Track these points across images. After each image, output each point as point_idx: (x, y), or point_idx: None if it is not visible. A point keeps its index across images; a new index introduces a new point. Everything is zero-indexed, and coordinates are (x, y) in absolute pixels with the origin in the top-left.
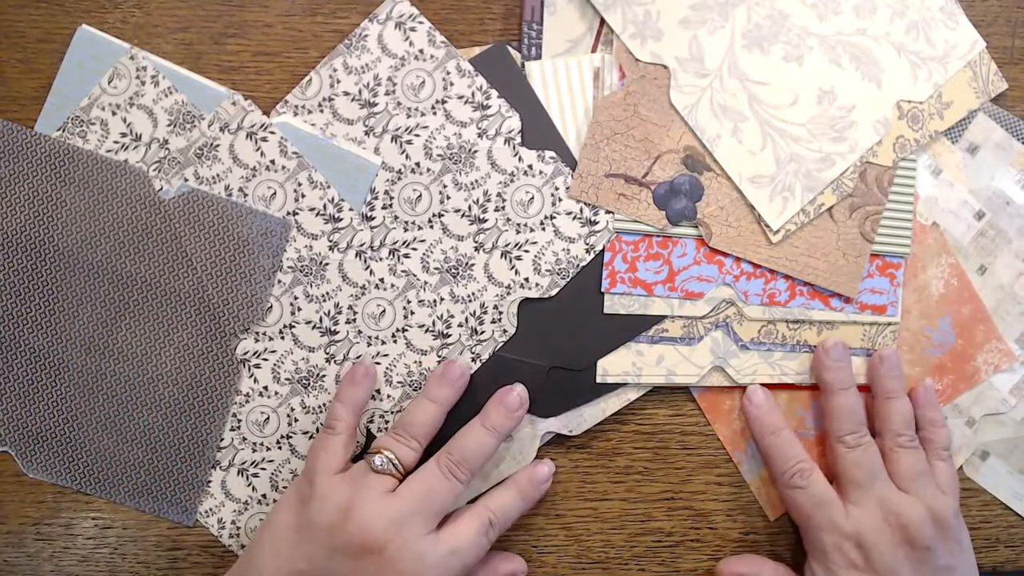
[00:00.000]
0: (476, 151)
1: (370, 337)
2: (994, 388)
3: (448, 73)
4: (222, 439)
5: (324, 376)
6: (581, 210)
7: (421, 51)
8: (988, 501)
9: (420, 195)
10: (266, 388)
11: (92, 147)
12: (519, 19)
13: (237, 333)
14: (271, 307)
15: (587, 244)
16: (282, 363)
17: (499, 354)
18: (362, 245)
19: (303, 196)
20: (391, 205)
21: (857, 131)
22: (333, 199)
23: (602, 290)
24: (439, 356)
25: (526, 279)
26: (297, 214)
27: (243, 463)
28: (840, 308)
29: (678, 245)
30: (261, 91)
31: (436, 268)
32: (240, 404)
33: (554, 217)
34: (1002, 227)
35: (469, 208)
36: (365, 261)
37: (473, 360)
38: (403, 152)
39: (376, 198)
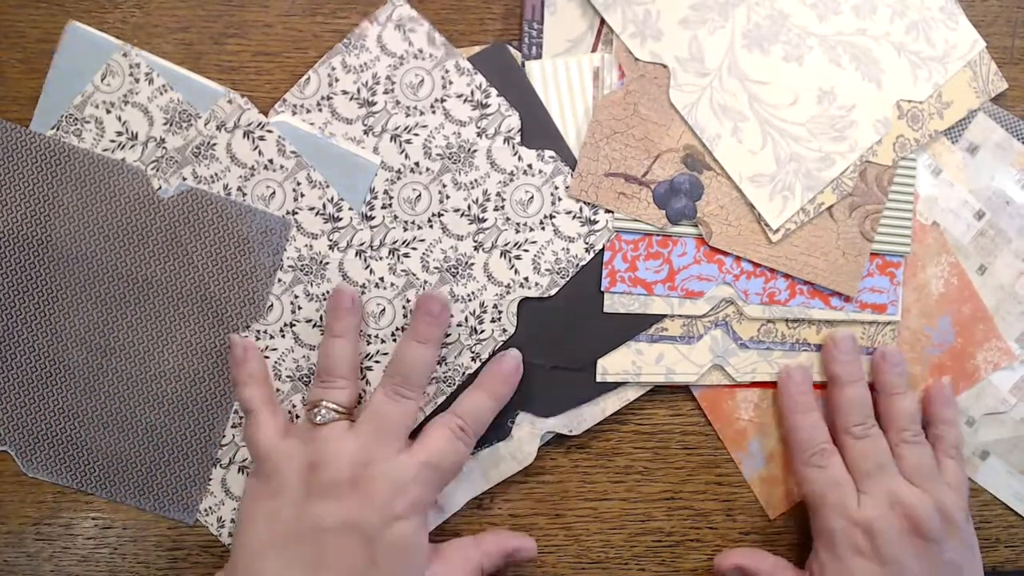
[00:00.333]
0: (475, 150)
1: (370, 336)
2: (994, 387)
3: (447, 72)
4: (223, 436)
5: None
6: (581, 209)
7: (420, 50)
8: (988, 501)
9: (419, 194)
10: None
11: (88, 145)
12: (519, 19)
13: (238, 331)
14: (272, 305)
15: (587, 243)
16: (283, 361)
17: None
18: (362, 244)
19: (302, 195)
20: (390, 204)
21: (857, 130)
22: (332, 198)
23: (602, 289)
24: (439, 356)
25: (526, 278)
26: (296, 213)
27: (244, 461)
28: (840, 307)
29: (678, 244)
30: (261, 91)
31: (436, 267)
32: None
33: (554, 216)
34: (1002, 227)
35: (468, 207)
36: (365, 260)
37: (473, 360)
38: (402, 151)
39: (375, 197)
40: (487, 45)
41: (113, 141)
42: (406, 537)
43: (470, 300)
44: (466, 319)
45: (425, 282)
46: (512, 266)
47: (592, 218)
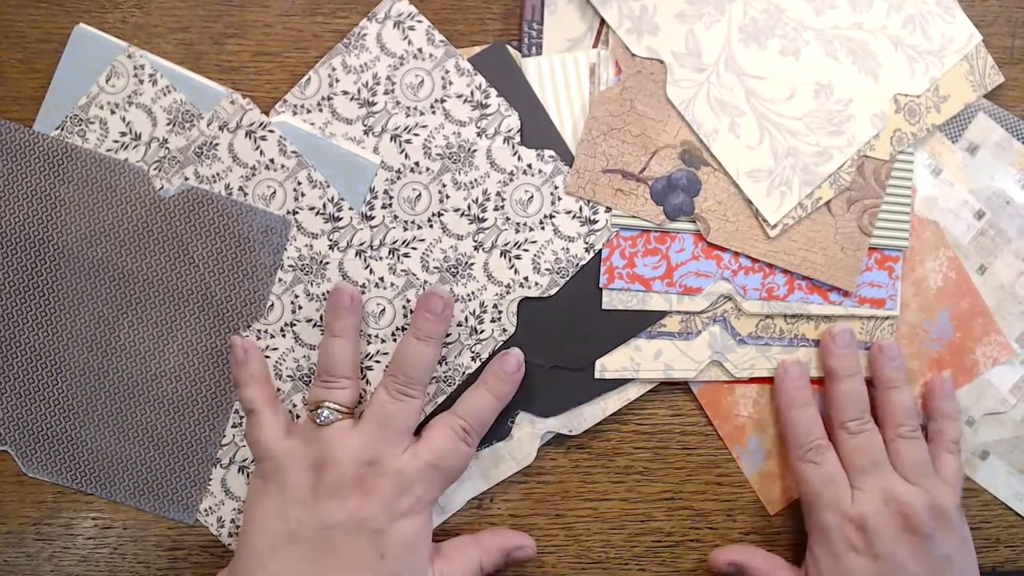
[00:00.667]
0: (475, 150)
1: (370, 336)
2: (994, 387)
3: (447, 72)
4: (223, 436)
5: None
6: (580, 209)
7: (420, 50)
8: (988, 501)
9: (419, 194)
10: None
11: (92, 146)
12: (519, 19)
13: (238, 330)
14: (272, 305)
15: (586, 243)
16: (284, 361)
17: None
18: (362, 244)
19: (303, 195)
20: (390, 204)
21: (854, 125)
22: (333, 198)
23: (600, 286)
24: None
25: (525, 278)
26: (297, 213)
27: (244, 460)
28: (839, 302)
29: (676, 240)
30: (261, 91)
31: (436, 267)
32: None
33: (553, 216)
34: (1002, 227)
35: (468, 207)
36: (365, 260)
37: (473, 360)
38: (402, 151)
39: (375, 197)
40: (487, 45)
41: (116, 142)
42: (412, 534)
43: (470, 300)
44: (466, 319)
45: (425, 282)
46: (512, 266)
47: (592, 218)
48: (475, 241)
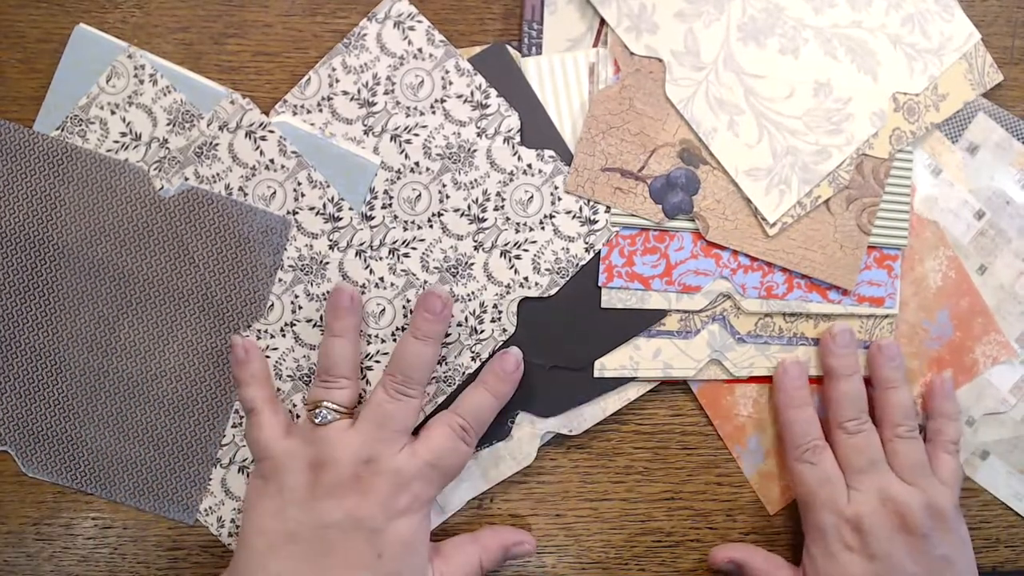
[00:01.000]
0: (475, 150)
1: (370, 336)
2: (994, 387)
3: (447, 72)
4: (223, 436)
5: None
6: (580, 209)
7: (420, 50)
8: (988, 501)
9: (419, 194)
10: None
11: (92, 146)
12: (519, 19)
13: (239, 330)
14: (272, 305)
15: (586, 243)
16: (284, 360)
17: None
18: (362, 244)
19: (303, 195)
20: (390, 204)
21: (853, 123)
22: (333, 198)
23: (599, 284)
24: (439, 355)
25: (525, 278)
26: (297, 213)
27: (244, 460)
28: (838, 300)
29: (675, 239)
30: (261, 91)
31: (436, 267)
32: None
33: (553, 216)
34: (1002, 227)
35: (468, 207)
36: (365, 260)
37: (473, 359)
38: (402, 151)
39: (375, 197)
40: (487, 45)
41: (117, 142)
42: (409, 533)
43: (470, 300)
44: (466, 319)
45: (425, 282)
46: (512, 266)
47: (592, 218)
48: (475, 241)
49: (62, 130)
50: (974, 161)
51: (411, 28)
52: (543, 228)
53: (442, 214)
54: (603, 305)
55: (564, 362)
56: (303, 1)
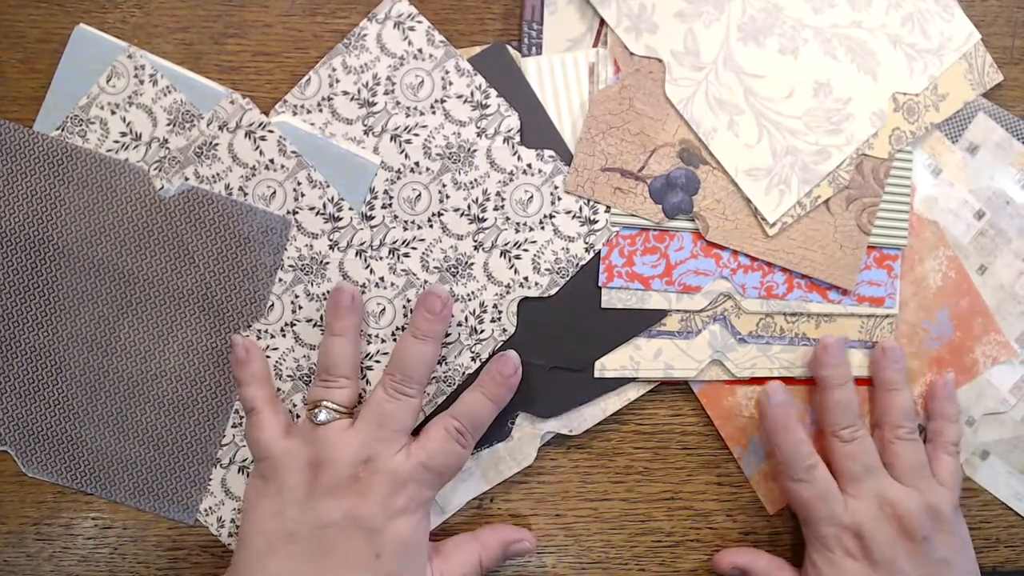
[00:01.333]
0: (475, 150)
1: (370, 335)
2: (994, 387)
3: (447, 72)
4: (223, 436)
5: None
6: (580, 209)
7: (420, 50)
8: (988, 501)
9: (419, 194)
10: None
11: (92, 146)
12: (519, 19)
13: (239, 330)
14: (272, 305)
15: (586, 243)
16: (284, 360)
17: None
18: (362, 244)
19: (303, 195)
20: (390, 204)
21: (853, 123)
22: (333, 198)
23: (599, 284)
24: (439, 355)
25: (525, 278)
26: (297, 213)
27: (244, 460)
28: (838, 300)
29: (675, 239)
30: (261, 91)
31: (436, 267)
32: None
33: (553, 216)
34: (1002, 227)
35: (468, 207)
36: (365, 260)
37: (473, 360)
38: (402, 151)
39: (375, 197)
40: (487, 45)
41: (117, 142)
42: (408, 533)
43: (470, 300)
44: (466, 319)
45: (425, 281)
46: (512, 266)
47: (592, 218)
48: (475, 241)
49: (62, 130)
50: (974, 161)
51: (411, 28)
52: (543, 228)
53: (442, 214)
54: (603, 305)
55: (564, 362)
56: (303, 1)
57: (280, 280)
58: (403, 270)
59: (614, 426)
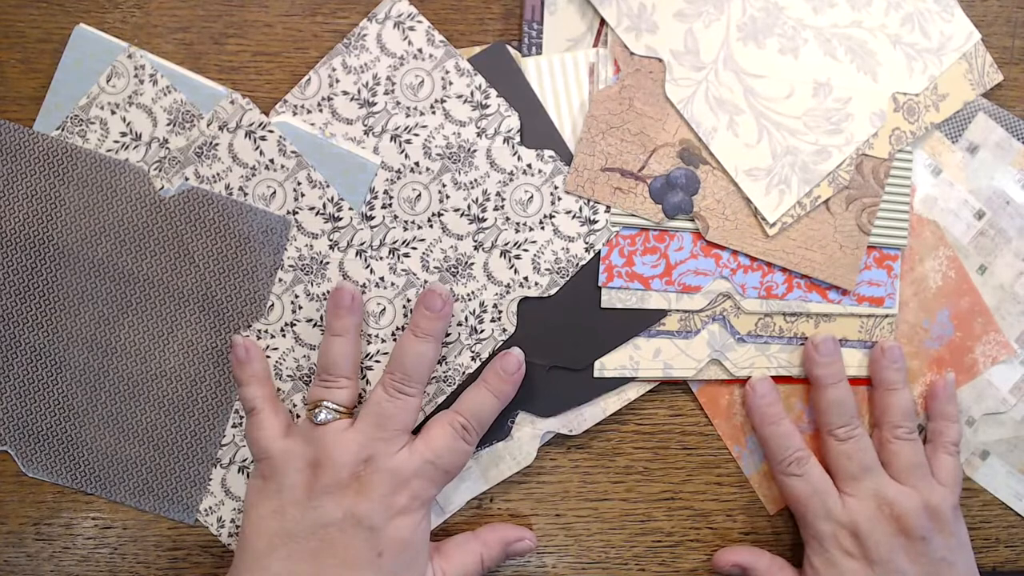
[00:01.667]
0: (475, 150)
1: (370, 335)
2: (994, 387)
3: (447, 72)
4: (223, 436)
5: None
6: (580, 209)
7: (420, 50)
8: (988, 501)
9: (419, 194)
10: None
11: (92, 146)
12: (519, 19)
13: (239, 330)
14: (272, 305)
15: (586, 243)
16: (284, 360)
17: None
18: (362, 244)
19: (303, 195)
20: (391, 204)
21: (853, 123)
22: (333, 198)
23: (599, 284)
24: (440, 355)
25: (525, 278)
26: (297, 213)
27: (244, 461)
28: (837, 300)
29: (675, 239)
30: (261, 91)
31: (436, 267)
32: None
33: (553, 216)
34: (1002, 226)
35: (468, 207)
36: (365, 260)
37: (473, 359)
38: (402, 151)
39: (375, 197)
40: (487, 45)
41: (117, 142)
42: (409, 532)
43: (470, 300)
44: (466, 318)
45: (425, 281)
46: (512, 266)
47: (592, 218)
48: (475, 241)
49: (62, 130)
50: (974, 161)
51: (411, 28)
52: (543, 228)
53: (442, 214)
54: (603, 305)
55: (564, 362)
56: (303, 1)
57: (280, 280)
58: (403, 270)
59: (614, 426)
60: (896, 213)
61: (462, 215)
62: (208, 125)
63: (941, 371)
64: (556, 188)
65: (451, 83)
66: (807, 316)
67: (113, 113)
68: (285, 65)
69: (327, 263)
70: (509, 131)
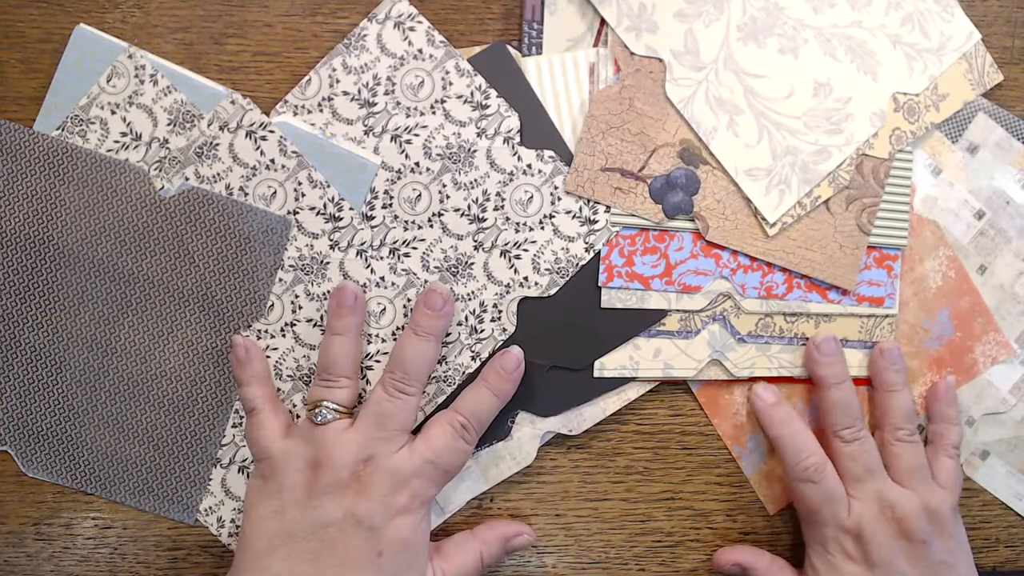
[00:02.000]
0: (475, 150)
1: (370, 335)
2: (994, 387)
3: (447, 73)
4: (223, 436)
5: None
6: (580, 209)
7: (420, 51)
8: (988, 501)
9: (420, 194)
10: None
11: (92, 146)
12: (519, 19)
13: (238, 330)
14: (272, 305)
15: (586, 243)
16: (284, 360)
17: None
18: (362, 244)
19: (303, 195)
20: (391, 204)
21: (853, 123)
22: (333, 198)
23: (599, 284)
24: (440, 354)
25: (525, 278)
26: (297, 213)
27: (244, 461)
28: (837, 300)
29: (675, 239)
30: (261, 91)
31: (436, 267)
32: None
33: (553, 216)
34: (1002, 227)
35: (468, 207)
36: (366, 260)
37: (473, 359)
38: (402, 151)
39: (376, 197)
40: (487, 45)
41: (117, 142)
42: (409, 531)
43: (470, 299)
44: (466, 318)
45: (425, 281)
46: (512, 265)
47: (592, 218)
48: (475, 241)
49: (62, 130)
50: (974, 161)
51: (411, 29)
52: (543, 228)
53: (442, 214)
54: (603, 305)
55: (564, 362)
56: (303, 1)
57: (280, 280)
58: (403, 270)
59: (614, 426)
60: (896, 213)
61: (462, 215)
62: (209, 125)
63: (941, 371)
64: (556, 188)
65: (451, 83)
66: (807, 316)
67: (113, 113)
68: (285, 65)
69: (327, 263)
70: (509, 131)
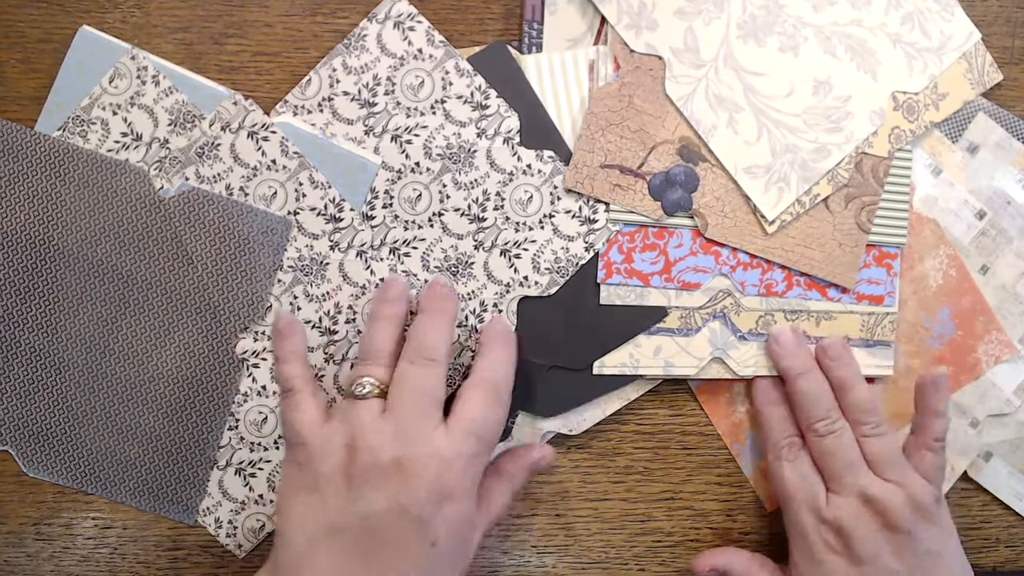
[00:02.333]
0: (475, 151)
1: None
2: (998, 388)
3: (447, 73)
4: (220, 439)
5: (323, 376)
6: (580, 208)
7: (420, 51)
8: (988, 501)
9: (420, 194)
10: (264, 388)
11: (93, 147)
12: (519, 19)
13: (237, 332)
14: (271, 306)
15: (586, 242)
16: None
17: None
18: (363, 245)
19: (304, 196)
20: (391, 204)
21: (852, 122)
22: (334, 199)
23: (598, 281)
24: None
25: (525, 277)
26: (298, 214)
27: (241, 463)
28: (837, 298)
29: (674, 236)
30: (261, 91)
31: (436, 267)
32: (238, 404)
33: (553, 216)
34: (1003, 226)
35: (468, 207)
36: (366, 260)
37: (473, 359)
38: (403, 152)
39: (376, 197)
40: (487, 45)
41: (118, 142)
42: (461, 514)
43: (470, 299)
44: (466, 318)
45: (425, 281)
46: (512, 265)
47: (591, 217)
48: (475, 241)
49: (64, 130)
50: (974, 161)
51: (411, 29)
52: (543, 227)
53: (442, 214)
54: (602, 301)
55: (564, 362)
56: (303, 1)
57: (279, 281)
58: (404, 270)
59: (614, 426)
60: (895, 211)
61: (462, 215)
62: (210, 125)
63: (937, 367)
64: (556, 188)
65: (451, 83)
66: (808, 314)
67: (115, 114)
68: (285, 65)
69: (327, 264)
70: (509, 132)
